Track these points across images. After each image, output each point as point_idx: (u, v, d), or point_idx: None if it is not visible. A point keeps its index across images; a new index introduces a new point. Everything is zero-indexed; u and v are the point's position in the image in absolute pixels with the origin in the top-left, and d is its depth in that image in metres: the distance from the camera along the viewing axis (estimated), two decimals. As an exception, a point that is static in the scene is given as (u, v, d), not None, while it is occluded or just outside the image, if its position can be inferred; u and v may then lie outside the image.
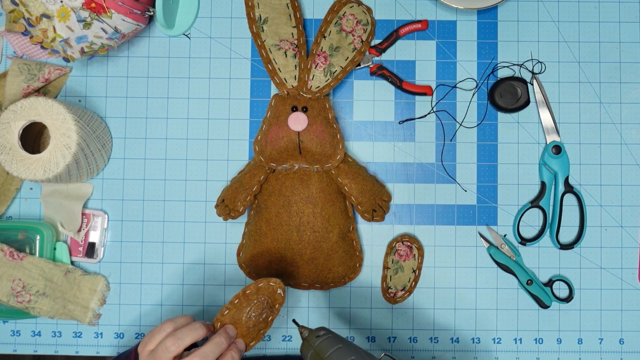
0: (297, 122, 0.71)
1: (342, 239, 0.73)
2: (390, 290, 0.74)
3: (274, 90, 0.76)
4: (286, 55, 0.72)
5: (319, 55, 0.72)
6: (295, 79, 0.72)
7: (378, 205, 0.73)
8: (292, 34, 0.73)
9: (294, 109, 0.71)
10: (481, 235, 0.75)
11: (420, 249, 0.74)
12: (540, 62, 0.76)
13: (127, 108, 0.76)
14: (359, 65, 0.75)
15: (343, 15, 0.73)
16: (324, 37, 0.73)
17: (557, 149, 0.74)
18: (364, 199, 0.72)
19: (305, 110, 0.71)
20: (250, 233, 0.74)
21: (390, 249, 0.74)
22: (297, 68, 0.72)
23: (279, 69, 0.72)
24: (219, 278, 0.75)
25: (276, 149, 0.71)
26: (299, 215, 0.72)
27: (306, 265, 0.72)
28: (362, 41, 0.74)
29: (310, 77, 0.72)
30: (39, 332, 0.75)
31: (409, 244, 0.74)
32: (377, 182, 0.74)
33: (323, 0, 0.76)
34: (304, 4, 0.76)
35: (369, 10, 0.75)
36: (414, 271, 0.74)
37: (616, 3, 0.76)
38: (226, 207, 0.73)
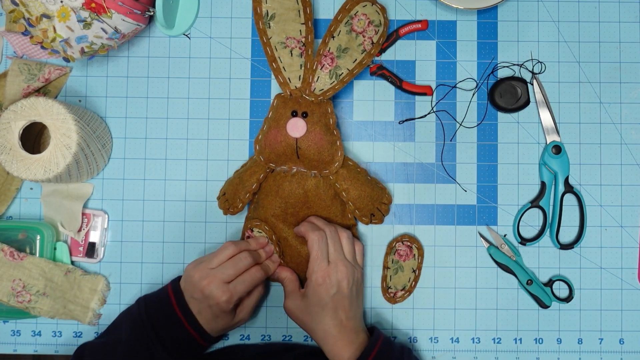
0: (295, 128, 0.69)
1: None
2: (390, 290, 0.74)
3: (274, 90, 0.76)
4: (292, 54, 0.70)
5: (325, 56, 0.70)
6: (300, 79, 0.70)
7: (377, 209, 0.73)
8: (300, 31, 0.70)
9: (294, 113, 0.70)
10: (481, 235, 0.75)
11: (420, 248, 0.74)
12: (540, 62, 0.76)
13: (127, 108, 0.76)
14: (359, 65, 0.75)
15: (355, 14, 0.70)
16: (333, 37, 0.70)
17: (557, 149, 0.74)
18: (362, 205, 0.72)
19: (305, 115, 0.70)
20: (250, 232, 0.74)
21: (390, 248, 0.74)
22: (303, 68, 0.70)
23: (283, 67, 0.70)
24: (219, 278, 0.75)
25: (274, 152, 0.70)
26: (295, 217, 0.71)
27: (305, 264, 0.72)
28: (372, 43, 0.71)
29: (315, 78, 0.70)
30: (39, 332, 0.75)
31: (409, 243, 0.74)
32: (377, 186, 0.74)
33: None
34: (315, 0, 0.75)
35: (382, 9, 0.72)
36: (414, 271, 0.74)
37: (616, 3, 0.76)
38: (226, 201, 0.73)
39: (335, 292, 0.66)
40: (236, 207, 0.72)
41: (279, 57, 0.70)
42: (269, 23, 0.70)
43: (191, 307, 0.67)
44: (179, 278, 0.70)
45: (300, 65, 0.70)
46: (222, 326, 0.68)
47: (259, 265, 0.70)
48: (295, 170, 0.72)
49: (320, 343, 0.67)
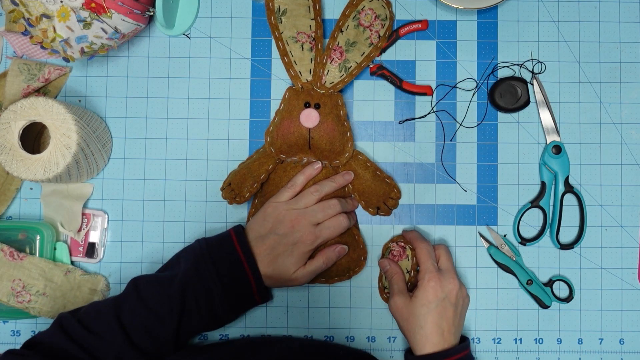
0: (309, 119, 0.71)
1: (345, 233, 0.73)
2: (386, 291, 0.74)
3: (274, 90, 0.76)
4: (302, 48, 0.72)
5: (334, 50, 0.72)
6: (310, 72, 0.72)
7: (383, 203, 0.73)
8: (310, 26, 0.73)
9: (307, 105, 0.72)
10: (481, 235, 0.75)
11: (413, 249, 0.74)
12: (540, 62, 0.76)
13: (127, 108, 0.76)
14: (359, 65, 0.75)
15: (362, 9, 0.73)
16: (342, 31, 0.72)
17: (557, 149, 0.74)
18: (366, 198, 0.73)
19: (317, 107, 0.72)
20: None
21: (385, 249, 0.74)
22: (313, 62, 0.72)
23: (294, 61, 0.72)
24: (219, 278, 0.75)
25: (287, 143, 0.72)
26: None
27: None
28: (379, 36, 0.73)
29: (325, 72, 0.72)
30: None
31: (402, 244, 0.74)
32: (385, 181, 0.74)
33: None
34: (324, -1, 0.76)
35: (388, 4, 0.74)
36: (409, 272, 0.73)
37: (616, 3, 0.76)
38: (232, 191, 0.73)
39: (443, 297, 0.67)
40: (243, 197, 0.73)
41: (290, 52, 0.72)
42: (280, 18, 0.72)
43: (265, 244, 0.68)
44: (239, 225, 0.71)
45: (311, 59, 0.72)
46: (285, 270, 0.68)
47: (346, 214, 0.72)
48: (305, 160, 0.73)
49: (416, 347, 0.67)
